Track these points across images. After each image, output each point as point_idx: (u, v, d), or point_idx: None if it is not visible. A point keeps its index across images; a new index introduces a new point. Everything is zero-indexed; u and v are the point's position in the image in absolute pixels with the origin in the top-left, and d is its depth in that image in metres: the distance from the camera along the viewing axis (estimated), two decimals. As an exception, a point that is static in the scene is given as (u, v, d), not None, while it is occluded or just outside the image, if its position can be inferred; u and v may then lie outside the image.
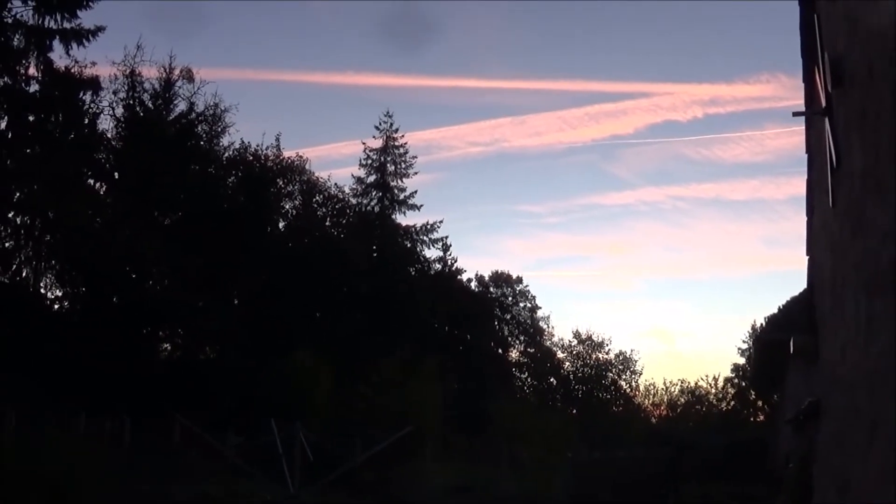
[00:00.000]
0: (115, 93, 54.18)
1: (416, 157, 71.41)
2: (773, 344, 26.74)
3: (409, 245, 69.39)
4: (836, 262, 8.95)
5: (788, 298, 30.01)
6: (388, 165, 70.27)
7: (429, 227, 70.09)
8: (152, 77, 56.06)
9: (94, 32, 46.40)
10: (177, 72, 56.64)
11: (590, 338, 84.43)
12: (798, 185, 12.71)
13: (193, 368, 50.69)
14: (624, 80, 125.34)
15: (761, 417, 67.94)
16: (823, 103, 8.08)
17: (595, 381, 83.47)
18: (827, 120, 7.91)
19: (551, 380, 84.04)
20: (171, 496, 30.79)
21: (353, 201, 69.10)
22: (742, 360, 72.78)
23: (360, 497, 36.59)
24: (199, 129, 58.23)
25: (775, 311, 33.57)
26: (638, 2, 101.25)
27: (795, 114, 10.33)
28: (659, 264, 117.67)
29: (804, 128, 11.91)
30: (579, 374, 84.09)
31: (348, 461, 38.82)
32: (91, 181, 52.83)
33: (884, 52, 5.11)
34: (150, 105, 56.21)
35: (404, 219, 70.15)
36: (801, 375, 20.40)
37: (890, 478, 5.68)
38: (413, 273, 67.79)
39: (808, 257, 13.26)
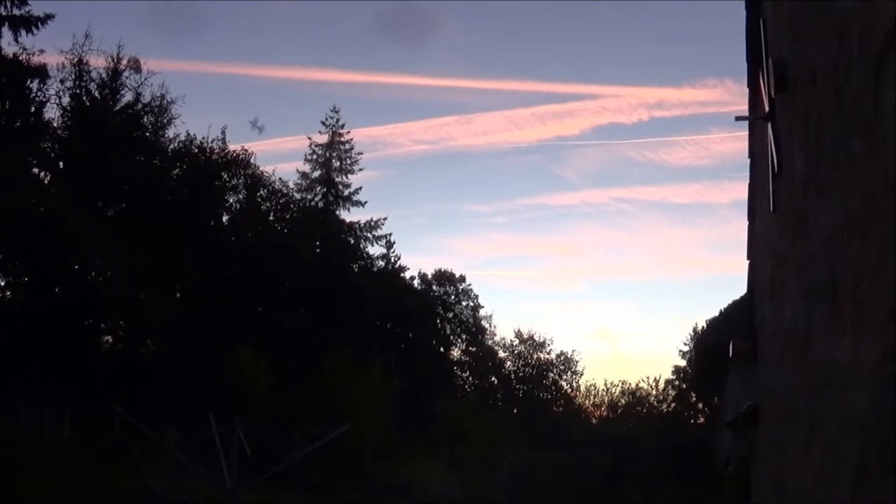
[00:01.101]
0: (62, 81, 53.86)
1: (361, 153, 71.44)
2: (713, 347, 26.91)
3: (352, 241, 69.28)
4: (776, 268, 8.97)
5: (730, 302, 30.23)
6: (334, 161, 70.11)
7: (373, 223, 70.03)
8: (100, 66, 55.74)
9: (44, 20, 46.13)
10: (124, 62, 56.32)
11: (531, 338, 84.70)
12: (742, 190, 12.77)
13: (135, 361, 50.36)
14: (571, 82, 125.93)
15: (702, 420, 68.30)
16: (767, 108, 8.09)
17: (536, 380, 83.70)
18: (770, 125, 7.92)
19: (493, 379, 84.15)
20: (111, 489, 30.59)
21: (298, 196, 68.98)
22: (683, 363, 73.16)
23: (299, 493, 36.51)
24: (146, 120, 57.89)
25: (717, 314, 33.80)
26: (587, 3, 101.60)
27: (738, 118, 10.36)
28: (603, 266, 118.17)
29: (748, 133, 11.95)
30: (520, 374, 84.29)
31: (288, 457, 38.67)
32: (36, 170, 52.35)
33: (827, 57, 5.11)
34: (97, 95, 55.82)
35: (348, 215, 70.12)
36: (740, 379, 20.51)
37: (826, 482, 5.69)
38: (356, 270, 67.64)
39: (748, 262, 13.31)
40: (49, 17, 46.16)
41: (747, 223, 12.86)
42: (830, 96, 5.03)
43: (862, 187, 4.17)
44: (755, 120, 10.24)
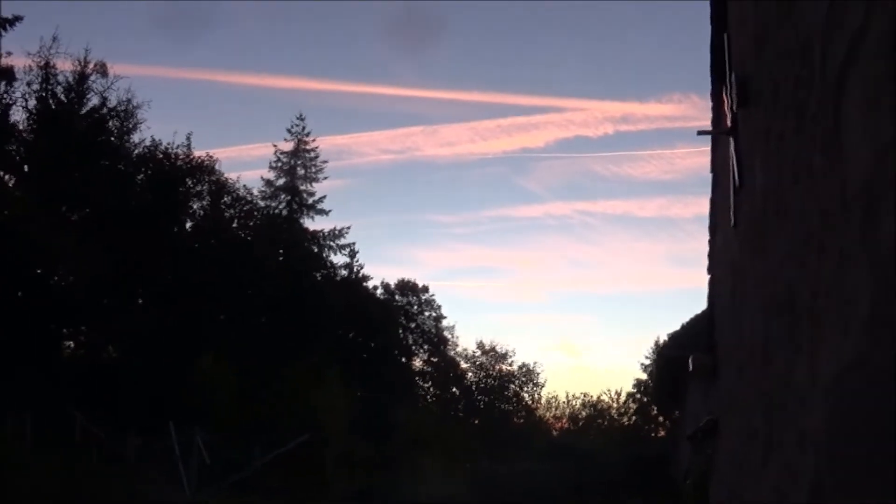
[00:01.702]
0: (28, 84, 53.61)
1: (326, 161, 71.21)
2: (674, 361, 27.00)
3: (315, 250, 69.08)
4: (736, 282, 8.99)
5: (692, 316, 30.31)
6: (298, 169, 69.91)
7: (336, 232, 69.83)
8: (66, 70, 55.50)
9: (12, 22, 45.74)
10: (91, 65, 56.12)
11: (493, 349, 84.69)
12: (705, 205, 12.77)
13: (98, 368, 50.10)
14: (537, 94, 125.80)
15: (663, 433, 68.48)
16: (729, 123, 8.11)
17: (497, 392, 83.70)
18: (732, 140, 7.93)
19: (454, 390, 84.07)
20: (70, 497, 30.39)
21: (262, 204, 68.71)
22: (645, 376, 73.37)
23: (260, 501, 36.36)
24: (111, 124, 57.66)
25: (678, 328, 33.89)
26: (553, 17, 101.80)
27: (700, 132, 10.39)
28: (566, 278, 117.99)
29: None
30: (482, 385, 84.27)
31: (248, 465, 38.56)
32: (0, 173, 52.05)
33: (788, 73, 5.11)
34: (63, 98, 55.60)
35: (312, 223, 69.86)
36: (700, 393, 20.57)
37: (782, 498, 5.69)
38: (319, 278, 67.50)
39: (709, 276, 13.35)
40: (17, 18, 45.78)
41: (708, 237, 12.90)
42: (791, 112, 5.03)
43: (820, 203, 4.17)
44: (718, 134, 10.28)
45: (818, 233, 4.25)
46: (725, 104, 8.51)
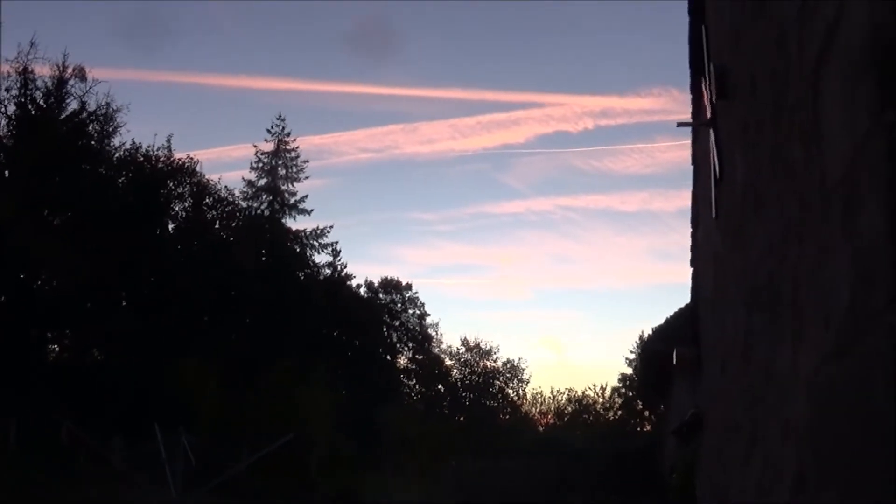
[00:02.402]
0: (7, 90, 53.59)
1: (307, 161, 71.25)
2: (658, 355, 26.97)
3: (298, 250, 69.07)
4: (718, 275, 8.99)
5: (676, 310, 30.32)
6: (280, 169, 69.92)
7: (318, 231, 69.83)
8: (45, 75, 55.45)
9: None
10: (69, 70, 56.02)
11: (478, 345, 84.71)
12: (687, 198, 12.78)
13: (81, 371, 50.00)
14: (516, 90, 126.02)
15: (648, 427, 68.58)
16: (709, 115, 8.09)
17: (482, 388, 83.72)
18: (711, 131, 7.92)
19: (439, 387, 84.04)
20: (58, 500, 30.33)
21: (244, 204, 68.72)
22: (630, 371, 73.46)
23: (245, 503, 36.31)
24: (91, 128, 57.62)
25: (662, 322, 33.90)
26: (531, 12, 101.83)
27: (680, 124, 10.36)
28: (549, 274, 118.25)
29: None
30: (467, 382, 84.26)
31: (232, 467, 38.50)
32: (-19, 178, 52.01)
33: (766, 64, 5.09)
34: (43, 103, 55.54)
35: (294, 223, 69.93)
36: (685, 387, 20.57)
37: (765, 493, 5.67)
38: (302, 278, 67.47)
39: (692, 269, 13.34)
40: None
41: (691, 230, 12.89)
42: (769, 103, 5.01)
43: (799, 195, 4.15)
44: (698, 126, 10.27)
45: (797, 225, 4.24)
46: (705, 96, 8.50)
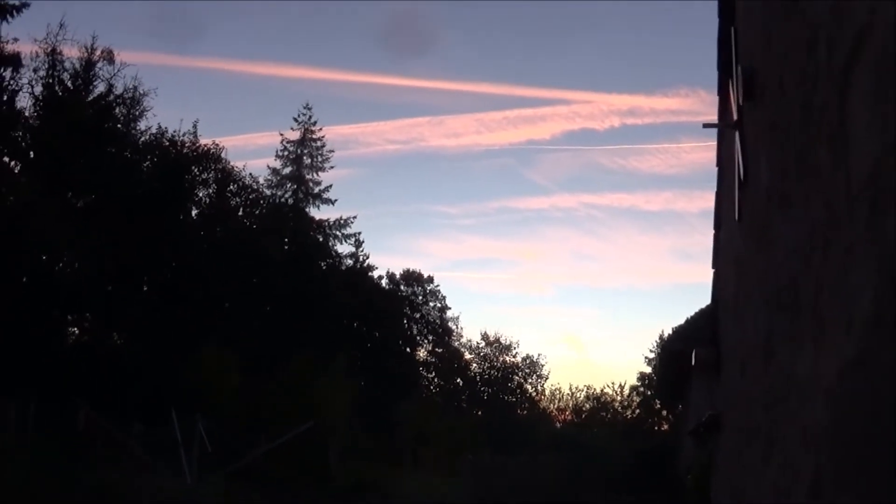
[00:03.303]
0: (35, 70, 53.41)
1: (332, 151, 71.27)
2: (677, 355, 26.89)
3: (321, 239, 69.05)
4: (740, 277, 8.94)
5: (697, 310, 30.23)
6: (305, 158, 69.96)
7: (342, 222, 69.83)
8: (73, 56, 55.35)
9: (19, 8, 45.69)
10: (98, 52, 55.99)
11: (497, 340, 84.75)
12: (711, 199, 12.74)
13: (101, 355, 50.04)
14: (543, 86, 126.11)
15: (666, 427, 68.48)
16: (735, 116, 8.05)
17: (501, 383, 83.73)
18: (737, 133, 7.88)
19: (458, 381, 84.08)
20: (74, 484, 30.38)
21: (268, 192, 68.71)
22: (649, 370, 73.37)
23: (261, 490, 36.35)
24: (117, 111, 57.54)
25: (683, 322, 33.79)
26: (561, 9, 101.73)
27: (706, 125, 10.32)
28: (571, 271, 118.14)
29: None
30: (486, 376, 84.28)
31: (249, 455, 38.56)
32: (6, 159, 51.96)
33: (795, 66, 5.06)
34: (70, 85, 55.43)
35: (318, 212, 69.92)
36: (703, 388, 20.50)
37: (782, 496, 5.65)
38: (324, 268, 67.49)
39: (713, 270, 13.29)
40: (24, 5, 45.74)
41: (713, 232, 12.85)
42: (797, 105, 4.98)
43: (824, 198, 4.12)
44: (724, 128, 10.22)
45: (823, 228, 4.21)
46: (731, 98, 8.46)
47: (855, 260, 3.43)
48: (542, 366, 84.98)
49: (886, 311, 2.87)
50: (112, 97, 56.73)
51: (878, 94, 3.06)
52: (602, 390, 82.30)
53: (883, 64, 2.99)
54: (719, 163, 11.74)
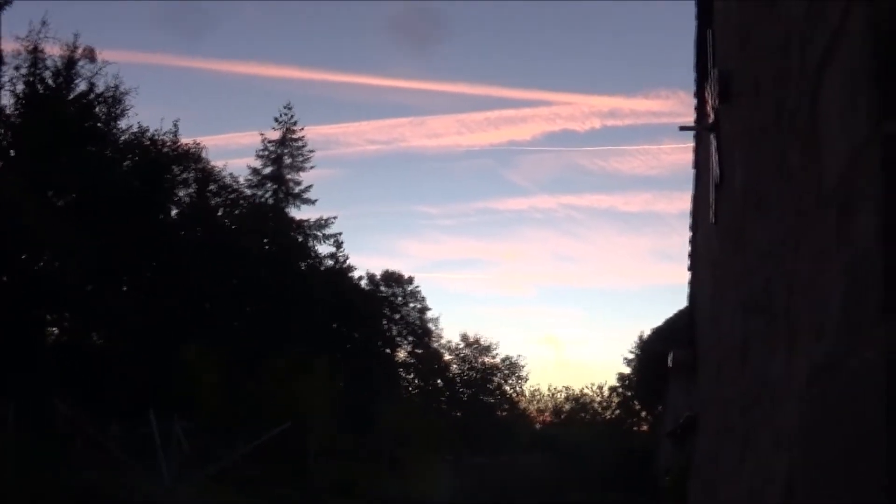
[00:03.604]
0: (16, 68, 53.24)
1: (313, 151, 71.10)
2: (656, 356, 26.97)
3: (301, 239, 68.99)
4: (716, 279, 8.96)
5: (676, 312, 30.30)
6: (285, 158, 69.79)
7: (322, 222, 69.75)
8: (55, 54, 55.17)
9: (2, 6, 45.57)
10: (79, 51, 55.82)
11: (477, 341, 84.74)
12: (689, 201, 12.77)
13: (81, 355, 49.92)
14: (525, 88, 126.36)
15: (645, 427, 68.64)
16: (711, 119, 8.06)
17: (481, 384, 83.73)
18: (713, 136, 7.89)
19: (437, 381, 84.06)
20: (52, 485, 30.30)
21: (248, 192, 68.57)
22: (628, 371, 73.46)
23: (239, 491, 36.31)
24: (99, 110, 57.37)
25: (662, 323, 33.89)
26: (542, 10, 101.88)
27: (682, 128, 10.34)
28: (551, 272, 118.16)
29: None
30: (465, 377, 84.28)
31: (228, 455, 38.49)
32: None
33: (769, 68, 5.06)
34: (52, 83, 55.25)
35: (298, 213, 69.77)
36: (681, 389, 20.56)
37: (756, 498, 5.65)
38: (304, 268, 67.45)
39: (690, 272, 13.31)
40: (6, 2, 45.64)
41: (690, 234, 12.87)
42: (771, 108, 4.99)
43: (797, 201, 4.12)
44: (700, 130, 10.23)
45: (795, 231, 4.21)
46: (708, 100, 8.47)
47: (825, 264, 3.43)
48: (522, 367, 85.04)
49: (854, 317, 2.87)
50: (93, 95, 56.58)
51: (848, 97, 3.06)
52: (582, 391, 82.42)
53: (854, 67, 2.99)
54: (696, 165, 11.77)
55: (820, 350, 3.49)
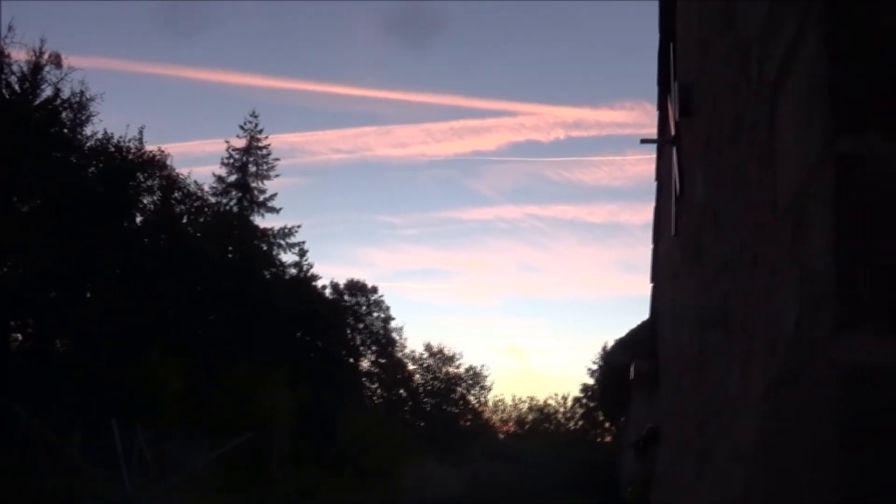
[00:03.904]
0: (-18, 73, 53.13)
1: (278, 159, 71.04)
2: (619, 367, 27.03)
3: (265, 248, 68.90)
4: (676, 291, 8.97)
5: (639, 323, 30.37)
6: (250, 166, 69.69)
7: (286, 230, 69.68)
8: (21, 60, 55.00)
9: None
10: (46, 56, 55.69)
11: (441, 351, 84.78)
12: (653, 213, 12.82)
13: (44, 361, 49.69)
14: (490, 98, 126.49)
15: (609, 439, 68.76)
16: (673, 132, 8.08)
17: (444, 394, 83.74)
18: (674, 149, 7.90)
19: (401, 391, 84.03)
20: (13, 492, 30.14)
21: (213, 200, 68.46)
22: (592, 381, 73.61)
23: (202, 500, 36.18)
24: (64, 115, 57.29)
25: (625, 334, 33.96)
26: (508, 20, 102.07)
27: (643, 140, 10.36)
28: (515, 282, 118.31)
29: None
30: (429, 387, 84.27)
31: (191, 463, 38.34)
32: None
33: (727, 82, 5.07)
34: (17, 88, 55.12)
35: (262, 221, 69.69)
36: (643, 400, 20.60)
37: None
38: (268, 276, 67.33)
39: (652, 284, 13.35)
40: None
41: (652, 246, 12.90)
42: (729, 122, 4.99)
43: (753, 216, 4.13)
44: (662, 143, 10.25)
45: (751, 245, 4.22)
46: (670, 113, 8.48)
47: (779, 280, 3.43)
48: (486, 377, 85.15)
49: (807, 333, 2.87)
50: (59, 101, 56.50)
51: (804, 112, 3.06)
52: (545, 402, 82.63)
53: (809, 83, 2.99)
54: (658, 177, 11.80)
55: (775, 365, 3.49)
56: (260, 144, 70.06)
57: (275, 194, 69.85)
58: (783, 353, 3.31)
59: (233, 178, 69.54)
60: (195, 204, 66.44)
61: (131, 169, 59.81)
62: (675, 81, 7.72)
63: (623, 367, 23.46)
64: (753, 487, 4.18)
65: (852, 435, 2.45)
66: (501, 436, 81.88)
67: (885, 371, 2.44)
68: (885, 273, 2.50)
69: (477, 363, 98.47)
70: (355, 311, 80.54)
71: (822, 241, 2.69)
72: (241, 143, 69.94)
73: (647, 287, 14.45)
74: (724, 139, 5.18)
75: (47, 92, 56.17)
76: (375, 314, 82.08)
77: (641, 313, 62.07)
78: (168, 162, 63.30)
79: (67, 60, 56.25)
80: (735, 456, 4.79)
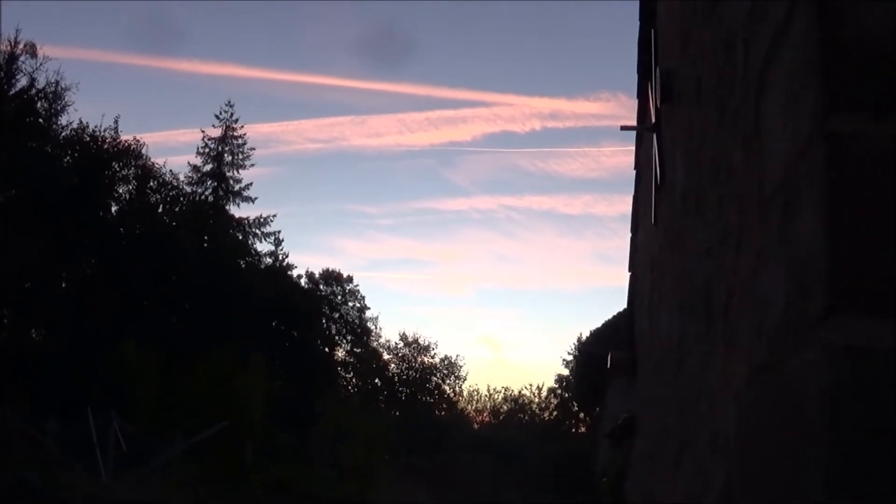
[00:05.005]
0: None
1: (253, 148, 71.11)
2: (594, 357, 27.02)
3: (241, 237, 68.83)
4: (655, 280, 8.95)
5: (614, 314, 30.37)
6: (226, 156, 69.69)
7: (262, 220, 69.72)
8: (-5, 49, 54.78)
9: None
10: (21, 46, 55.48)
11: (416, 341, 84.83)
12: (629, 203, 12.81)
13: (19, 352, 49.48)
14: (465, 88, 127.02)
15: (583, 429, 68.90)
16: (653, 119, 8.04)
17: (419, 384, 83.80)
18: (655, 136, 7.87)
19: (376, 381, 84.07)
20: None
21: (188, 189, 68.38)
22: (566, 372, 73.79)
23: (177, 489, 36.11)
24: (39, 105, 57.13)
25: (600, 325, 33.97)
26: (484, 10, 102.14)
27: (624, 128, 10.30)
28: (490, 273, 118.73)
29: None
30: (404, 377, 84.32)
31: (165, 453, 38.30)
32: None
33: (712, 68, 5.03)
34: (-8, 78, 54.99)
35: (238, 210, 69.83)
36: (619, 390, 20.60)
37: (693, 501, 5.62)
38: (244, 266, 67.24)
39: (630, 274, 13.33)
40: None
41: (630, 235, 12.88)
42: (713, 108, 4.96)
43: (738, 201, 4.09)
44: (642, 131, 10.22)
45: (736, 231, 4.18)
46: (650, 100, 8.45)
47: (765, 264, 3.40)
48: (461, 367, 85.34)
49: (796, 317, 2.83)
50: (34, 91, 56.32)
51: (793, 94, 3.03)
52: (520, 392, 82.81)
53: (799, 64, 2.95)
54: (637, 166, 11.76)
55: (760, 350, 3.46)
56: (235, 134, 70.13)
57: (250, 184, 70.00)
58: (770, 337, 3.27)
59: (208, 167, 69.55)
60: (170, 193, 66.38)
61: (107, 158, 59.70)
62: (657, 68, 7.68)
63: (599, 357, 23.48)
64: (735, 476, 4.15)
65: (842, 416, 2.42)
66: (476, 426, 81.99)
67: (876, 353, 2.41)
68: (876, 254, 2.47)
69: (452, 353, 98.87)
70: (330, 301, 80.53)
71: (812, 222, 2.66)
72: (216, 132, 70.01)
73: (622, 278, 14.46)
74: (708, 125, 5.15)
75: (22, 82, 56.19)
76: (351, 304, 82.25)
77: (616, 304, 62.24)
78: (143, 151, 63.45)
79: (42, 50, 56.26)
80: (715, 445, 4.76)
